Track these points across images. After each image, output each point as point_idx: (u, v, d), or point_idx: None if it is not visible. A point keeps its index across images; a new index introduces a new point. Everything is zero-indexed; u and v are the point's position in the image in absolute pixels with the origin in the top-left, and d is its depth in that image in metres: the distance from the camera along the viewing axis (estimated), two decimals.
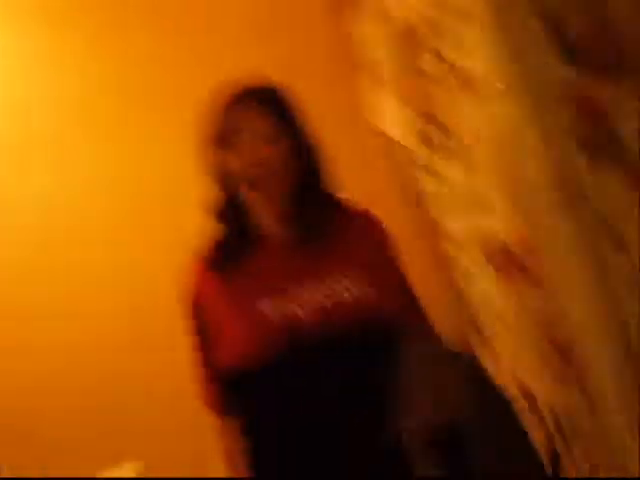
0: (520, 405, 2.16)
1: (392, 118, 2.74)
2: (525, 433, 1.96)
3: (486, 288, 2.27)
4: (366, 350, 1.85)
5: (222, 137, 1.89)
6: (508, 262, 2.09)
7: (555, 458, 1.96)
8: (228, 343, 1.88)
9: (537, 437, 2.09)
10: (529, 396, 2.12)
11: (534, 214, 1.79)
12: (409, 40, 2.27)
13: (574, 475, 1.93)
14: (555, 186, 1.68)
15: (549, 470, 1.96)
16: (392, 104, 2.70)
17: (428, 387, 1.75)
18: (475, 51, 1.81)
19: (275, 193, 1.89)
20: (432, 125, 2.34)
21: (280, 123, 1.89)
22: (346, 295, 1.84)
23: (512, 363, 2.26)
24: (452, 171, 2.32)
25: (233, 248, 1.94)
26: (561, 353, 1.92)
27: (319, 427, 1.82)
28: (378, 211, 2.11)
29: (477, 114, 1.93)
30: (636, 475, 1.60)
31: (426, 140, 2.44)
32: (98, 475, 2.81)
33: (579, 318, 1.74)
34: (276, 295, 1.84)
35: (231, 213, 1.95)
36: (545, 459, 1.98)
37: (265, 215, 1.94)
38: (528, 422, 2.10)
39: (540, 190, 1.72)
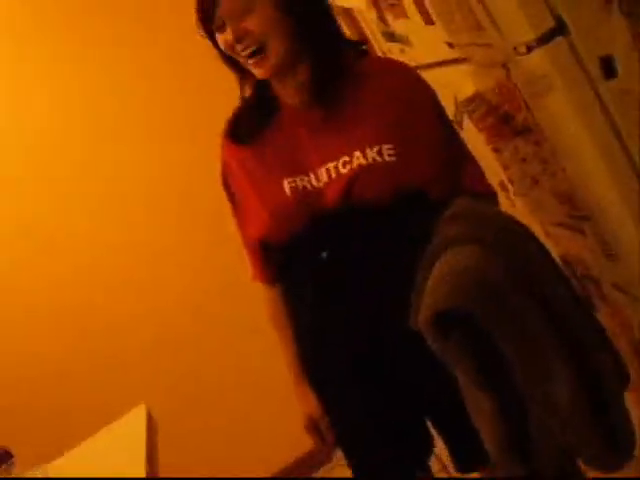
0: None
1: None
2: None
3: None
4: (395, 220, 1.78)
5: (206, 17, 1.77)
6: (489, 115, 2.06)
7: None
8: (253, 216, 1.87)
9: None
10: None
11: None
12: None
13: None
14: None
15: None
16: None
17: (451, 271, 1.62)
18: None
19: (276, 61, 1.74)
20: None
21: None
22: (370, 162, 1.75)
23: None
24: (410, 28, 2.26)
25: (252, 119, 1.87)
26: (568, 202, 1.90)
27: (350, 298, 1.82)
28: None
29: None
30: None
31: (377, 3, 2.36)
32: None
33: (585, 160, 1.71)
34: (295, 168, 1.80)
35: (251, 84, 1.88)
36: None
37: (280, 85, 1.83)
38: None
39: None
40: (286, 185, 1.78)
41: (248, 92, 1.88)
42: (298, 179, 1.79)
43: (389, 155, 1.76)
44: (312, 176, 1.79)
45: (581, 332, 1.61)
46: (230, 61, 1.82)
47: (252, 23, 1.71)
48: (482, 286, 1.58)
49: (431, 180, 1.83)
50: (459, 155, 1.93)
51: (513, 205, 2.40)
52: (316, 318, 1.86)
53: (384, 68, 1.91)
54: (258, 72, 1.76)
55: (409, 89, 1.87)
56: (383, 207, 1.76)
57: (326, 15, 1.81)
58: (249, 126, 1.87)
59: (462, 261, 1.62)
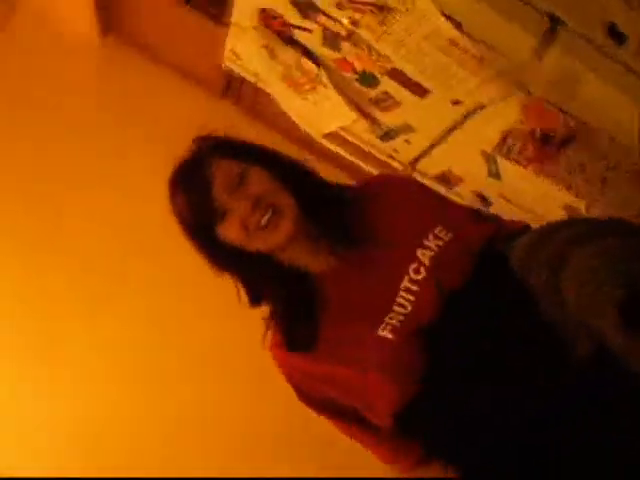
0: None
1: None
2: None
3: None
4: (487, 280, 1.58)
5: (204, 225, 1.67)
6: (527, 146, 1.98)
7: None
8: (369, 398, 1.59)
9: None
10: None
11: None
12: None
13: None
14: None
15: None
16: None
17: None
18: None
19: (293, 217, 1.60)
20: None
21: (235, 163, 1.63)
22: (435, 249, 1.60)
23: None
24: (406, 113, 2.20)
25: (303, 322, 1.63)
26: None
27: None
28: None
29: None
30: None
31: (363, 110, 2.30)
32: None
33: None
34: (377, 313, 1.58)
35: (274, 288, 1.67)
36: None
37: (300, 258, 1.66)
38: None
39: None
40: (383, 332, 1.62)
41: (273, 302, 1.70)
42: (388, 319, 1.63)
43: (445, 234, 1.65)
44: (397, 307, 1.63)
45: None
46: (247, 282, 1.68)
47: (255, 187, 1.62)
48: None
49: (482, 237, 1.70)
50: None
51: None
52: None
53: (372, 187, 1.80)
54: (276, 238, 1.63)
55: (406, 192, 1.77)
56: (471, 276, 1.62)
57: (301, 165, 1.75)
58: (305, 332, 1.64)
59: (598, 252, 1.48)
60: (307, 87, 2.28)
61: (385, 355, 1.54)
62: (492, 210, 2.48)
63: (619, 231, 1.51)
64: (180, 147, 1.69)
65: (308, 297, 1.64)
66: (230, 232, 1.60)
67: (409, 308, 1.56)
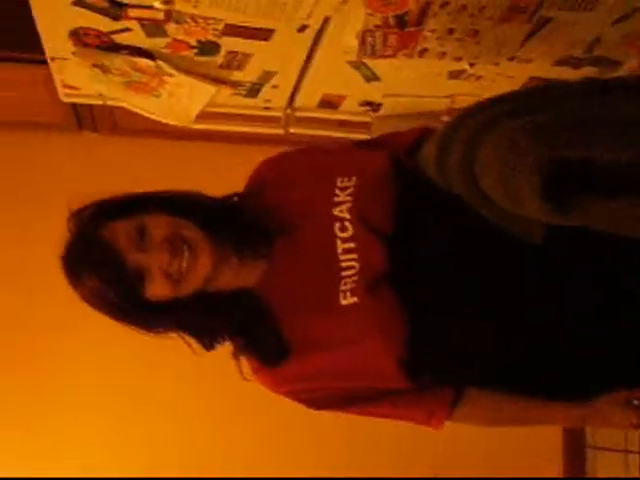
0: None
1: None
2: None
3: None
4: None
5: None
6: (388, 34, 1.87)
7: None
8: (374, 363, 1.52)
9: None
10: None
11: None
12: None
13: None
14: None
15: None
16: None
17: None
18: None
19: (209, 262, 1.50)
20: None
21: (125, 220, 1.52)
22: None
23: None
24: None
25: (268, 338, 1.55)
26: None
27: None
28: None
29: None
30: None
31: None
32: None
33: None
34: (331, 293, 1.49)
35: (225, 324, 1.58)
36: None
37: (231, 281, 1.56)
38: None
39: None
40: (346, 300, 1.48)
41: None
42: (343, 286, 1.49)
43: (349, 180, 1.54)
44: (346, 272, 1.49)
45: None
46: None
47: (159, 231, 1.48)
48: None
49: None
50: None
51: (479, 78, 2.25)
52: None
53: (259, 174, 1.70)
54: (202, 272, 1.49)
55: (289, 161, 1.71)
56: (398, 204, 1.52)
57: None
58: (274, 344, 1.56)
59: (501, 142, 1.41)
60: (154, 84, 2.17)
61: (360, 319, 1.47)
62: (383, 112, 2.42)
63: (515, 111, 1.44)
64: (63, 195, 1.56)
65: (258, 312, 1.55)
66: (157, 289, 1.48)
67: (357, 266, 1.48)
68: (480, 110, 1.46)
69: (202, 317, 1.54)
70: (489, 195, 1.38)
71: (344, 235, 1.49)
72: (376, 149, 1.64)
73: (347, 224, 1.49)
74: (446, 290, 1.46)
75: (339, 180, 1.53)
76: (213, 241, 1.50)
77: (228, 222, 1.55)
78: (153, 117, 2.38)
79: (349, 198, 1.50)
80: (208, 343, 1.56)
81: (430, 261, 1.47)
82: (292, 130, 2.49)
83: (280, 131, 2.49)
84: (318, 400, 1.60)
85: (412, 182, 1.52)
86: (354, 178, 1.52)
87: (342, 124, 2.56)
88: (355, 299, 1.45)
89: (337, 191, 1.52)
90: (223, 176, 3.18)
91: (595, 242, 1.41)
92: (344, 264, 1.48)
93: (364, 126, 2.51)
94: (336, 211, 1.50)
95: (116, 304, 1.48)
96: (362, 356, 1.49)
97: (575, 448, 3.35)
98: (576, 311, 1.44)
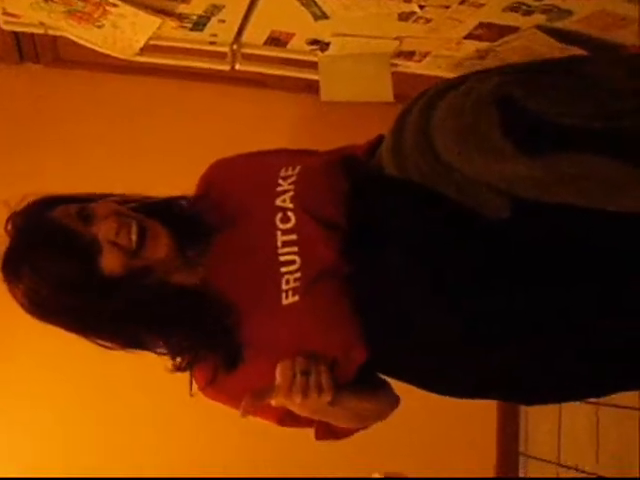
0: None
1: None
2: None
3: None
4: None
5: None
6: None
7: None
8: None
9: None
10: None
11: None
12: None
13: None
14: None
15: None
16: None
17: None
18: None
19: (166, 241, 1.46)
20: None
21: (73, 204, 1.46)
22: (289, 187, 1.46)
23: None
24: None
25: (218, 352, 1.49)
26: None
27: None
28: None
29: None
30: None
31: None
32: None
33: None
34: (272, 291, 1.43)
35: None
36: None
37: (183, 278, 1.50)
38: None
39: None
40: (287, 300, 1.42)
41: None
42: (284, 285, 1.42)
43: (293, 169, 1.49)
44: (285, 267, 1.43)
45: None
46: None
47: (106, 208, 1.44)
48: None
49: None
50: None
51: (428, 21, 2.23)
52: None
53: (208, 177, 1.64)
54: (161, 249, 1.44)
55: (235, 161, 1.65)
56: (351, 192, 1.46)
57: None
58: (225, 360, 1.49)
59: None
60: (97, 14, 2.11)
61: (301, 319, 1.40)
62: (331, 51, 2.39)
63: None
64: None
65: (212, 310, 1.47)
66: (110, 260, 1.41)
67: (298, 260, 1.42)
68: (430, 88, 1.41)
69: (155, 305, 1.45)
70: (447, 160, 1.32)
71: (285, 227, 1.42)
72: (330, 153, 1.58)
73: (290, 214, 1.41)
74: (408, 281, 1.37)
75: (282, 170, 1.47)
76: (166, 228, 1.44)
77: (171, 217, 1.49)
78: (96, 48, 2.31)
79: (291, 187, 1.44)
80: (170, 347, 1.49)
81: (389, 252, 1.38)
82: (238, 67, 2.43)
83: (226, 67, 2.44)
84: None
85: (366, 174, 1.46)
86: (298, 167, 1.47)
87: (289, 62, 2.53)
88: (296, 298, 1.38)
89: (280, 181, 1.46)
90: (165, 112, 3.18)
91: (565, 217, 1.32)
92: (283, 258, 1.40)
93: (311, 65, 2.48)
94: (278, 201, 1.43)
95: (65, 284, 1.39)
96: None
97: (508, 455, 3.41)
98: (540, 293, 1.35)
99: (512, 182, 1.26)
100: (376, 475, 3.29)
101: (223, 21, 2.21)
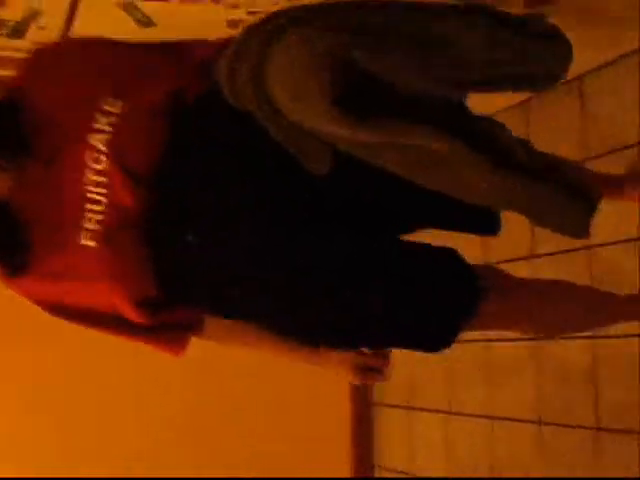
0: None
1: None
2: None
3: None
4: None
5: None
6: None
7: None
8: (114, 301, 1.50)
9: None
10: None
11: None
12: None
13: None
14: None
15: None
16: None
17: None
18: None
19: None
20: None
21: None
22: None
23: None
24: None
25: (10, 249, 1.46)
26: None
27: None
28: None
29: None
30: None
31: None
32: None
33: None
34: (74, 223, 1.44)
35: None
36: None
37: None
38: None
39: None
40: (85, 241, 1.41)
41: None
42: (87, 222, 1.42)
43: (116, 105, 1.43)
44: (90, 205, 1.42)
45: None
46: None
47: None
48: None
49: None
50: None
51: None
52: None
53: (20, 79, 1.55)
54: None
55: (51, 60, 1.56)
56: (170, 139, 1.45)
57: None
58: (17, 256, 1.45)
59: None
60: None
61: (94, 262, 1.42)
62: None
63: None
64: None
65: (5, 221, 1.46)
66: None
67: (105, 201, 1.40)
68: (267, 21, 1.41)
69: None
70: (278, 108, 1.34)
71: (96, 167, 1.39)
72: (167, 59, 1.52)
73: (102, 157, 1.39)
74: (214, 231, 1.44)
75: (104, 102, 1.40)
76: None
77: None
78: None
79: (109, 129, 1.39)
80: None
81: (194, 205, 1.44)
82: None
83: None
84: (63, 313, 1.55)
85: (190, 120, 1.45)
86: (120, 104, 1.41)
87: None
88: (94, 243, 1.40)
89: (98, 115, 1.40)
90: None
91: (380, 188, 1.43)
92: (90, 196, 1.39)
93: None
94: (92, 139, 1.39)
95: None
96: (90, 294, 1.48)
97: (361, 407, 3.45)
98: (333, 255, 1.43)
99: (337, 141, 1.35)
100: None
101: (43, 28, 2.09)
